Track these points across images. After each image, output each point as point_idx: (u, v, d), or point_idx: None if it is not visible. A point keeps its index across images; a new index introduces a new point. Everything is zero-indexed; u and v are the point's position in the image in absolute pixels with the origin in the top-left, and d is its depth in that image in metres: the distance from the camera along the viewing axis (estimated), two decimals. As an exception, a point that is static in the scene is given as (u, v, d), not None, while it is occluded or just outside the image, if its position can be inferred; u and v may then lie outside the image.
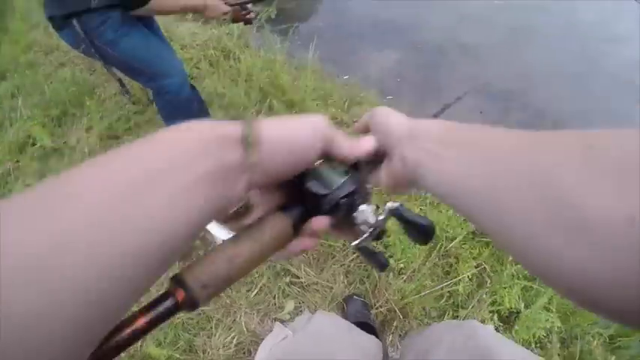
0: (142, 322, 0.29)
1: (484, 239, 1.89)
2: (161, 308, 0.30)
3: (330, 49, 2.95)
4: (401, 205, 0.41)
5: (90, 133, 2.13)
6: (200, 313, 1.54)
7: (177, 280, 0.32)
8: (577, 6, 4.71)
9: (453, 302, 1.72)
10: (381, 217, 0.41)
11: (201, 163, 0.29)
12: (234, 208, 0.35)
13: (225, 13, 1.73)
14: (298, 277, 1.67)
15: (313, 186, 0.38)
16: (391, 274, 1.69)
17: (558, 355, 1.70)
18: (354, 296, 1.64)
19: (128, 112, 2.30)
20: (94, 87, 2.48)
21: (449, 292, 1.73)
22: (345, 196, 0.38)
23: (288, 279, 1.68)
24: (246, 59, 2.59)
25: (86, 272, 0.23)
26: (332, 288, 1.66)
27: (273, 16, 3.14)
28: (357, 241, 0.41)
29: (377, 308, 1.61)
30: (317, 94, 2.46)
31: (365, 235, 0.41)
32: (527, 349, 1.65)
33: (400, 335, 1.63)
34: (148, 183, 0.27)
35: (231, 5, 1.72)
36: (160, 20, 2.22)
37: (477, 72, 3.36)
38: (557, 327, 1.69)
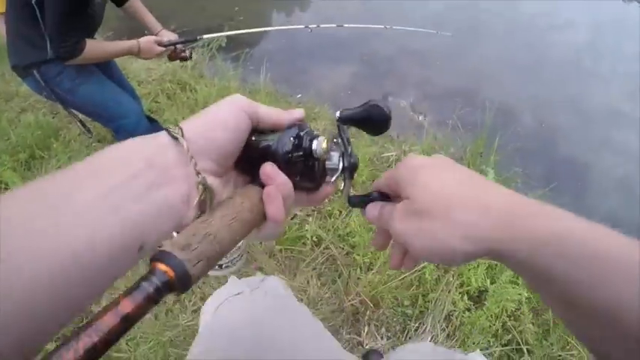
0: (128, 305, 0.25)
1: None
2: (150, 288, 0.26)
3: (281, 71, 3.08)
4: (340, 111, 0.42)
5: (60, 174, 2.17)
6: (185, 329, 1.60)
7: (162, 257, 0.28)
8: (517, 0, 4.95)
9: (423, 289, 1.82)
10: (335, 141, 0.41)
11: (126, 170, 0.30)
12: (197, 199, 0.34)
13: (160, 54, 1.83)
14: (273, 285, 1.74)
15: (257, 146, 0.39)
16: (359, 269, 1.78)
17: (532, 324, 1.80)
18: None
19: (94, 151, 2.35)
20: (58, 129, 2.52)
21: (417, 280, 1.83)
22: (292, 140, 0.39)
23: (263, 287, 1.75)
24: (202, 89, 2.69)
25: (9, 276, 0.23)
26: (306, 291, 1.74)
27: (224, 45, 3.25)
28: (333, 178, 0.41)
29: (350, 302, 1.70)
30: (272, 115, 2.57)
31: (339, 170, 0.40)
32: (500, 321, 1.76)
33: (376, 325, 1.72)
34: (74, 189, 0.28)
35: (164, 46, 1.82)
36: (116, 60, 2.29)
37: (426, 76, 3.54)
38: (526, 297, 1.78)
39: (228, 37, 3.26)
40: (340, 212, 2.03)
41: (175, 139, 0.34)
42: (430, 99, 3.20)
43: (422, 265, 1.80)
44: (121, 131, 1.89)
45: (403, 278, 1.77)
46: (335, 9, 4.56)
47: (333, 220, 1.99)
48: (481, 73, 3.67)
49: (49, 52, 1.57)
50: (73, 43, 1.53)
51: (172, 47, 1.87)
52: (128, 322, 0.25)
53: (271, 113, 0.40)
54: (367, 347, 1.68)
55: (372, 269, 1.76)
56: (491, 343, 1.74)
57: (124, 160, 0.31)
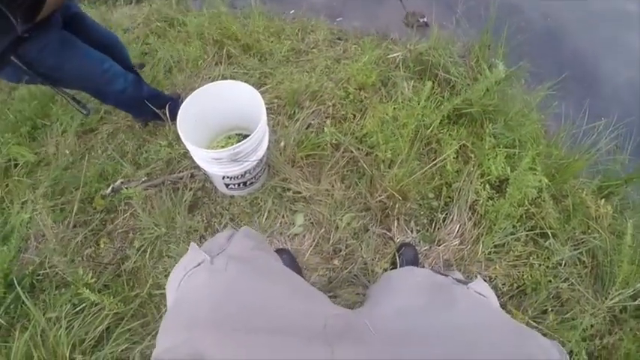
0: None
1: (460, 121, 2.00)
2: None
3: (270, -11, 2.91)
4: None
5: (66, 136, 2.13)
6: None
7: None
8: None
9: (445, 181, 1.83)
10: None
11: None
12: None
13: None
14: (300, 192, 1.76)
15: None
16: (382, 165, 1.78)
17: (553, 209, 1.82)
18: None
19: (95, 104, 2.29)
20: (53, 94, 2.42)
21: (439, 172, 1.84)
22: None
23: (290, 195, 1.77)
24: (192, 21, 2.58)
25: None
26: (332, 195, 1.75)
27: (205, -26, 3.07)
28: None
29: (377, 199, 1.71)
30: (269, 33, 2.48)
31: None
32: (523, 208, 1.78)
33: (405, 220, 1.74)
34: None
35: None
36: (93, 12, 2.11)
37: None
38: (546, 184, 1.79)
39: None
40: (354, 116, 2.01)
41: None
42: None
43: (442, 156, 1.80)
44: (108, 99, 1.86)
45: (425, 171, 1.77)
46: None
47: (348, 123, 1.97)
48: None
49: (19, 29, 1.34)
50: None
51: None
52: None
53: None
54: (398, 241, 1.71)
55: (393, 165, 1.75)
56: (517, 229, 1.77)
57: None
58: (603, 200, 1.89)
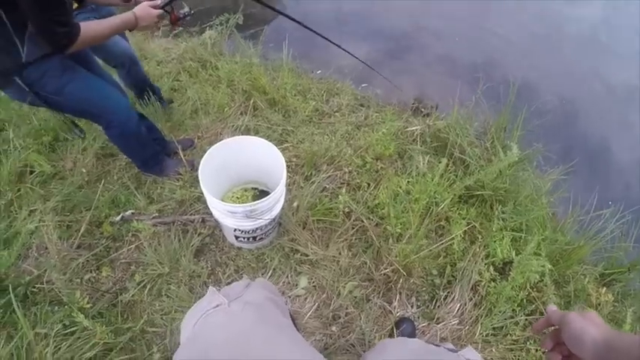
0: None
1: (470, 201, 2.04)
2: None
3: (301, 48, 3.05)
4: None
5: (85, 154, 2.18)
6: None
7: None
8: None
9: (450, 260, 1.86)
10: None
11: None
12: None
13: (159, 17, 1.67)
14: (307, 255, 1.79)
15: None
16: (390, 239, 1.82)
17: (554, 294, 1.83)
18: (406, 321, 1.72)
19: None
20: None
21: (445, 251, 1.86)
22: None
23: (298, 256, 1.80)
24: (224, 66, 2.70)
25: None
26: (338, 261, 1.78)
27: (240, 22, 3.24)
28: None
29: (382, 272, 1.74)
30: (296, 90, 2.59)
31: None
32: (525, 292, 1.79)
33: (407, 294, 1.76)
34: None
35: (161, 8, 1.65)
36: (131, 39, 2.21)
37: (444, 50, 3.52)
38: (549, 269, 1.80)
39: (244, 15, 3.26)
40: (369, 185, 2.06)
41: None
42: (450, 75, 3.19)
43: (451, 236, 1.84)
44: (111, 127, 1.81)
45: (431, 250, 1.80)
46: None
47: (362, 192, 2.02)
48: (499, 49, 3.64)
49: (24, 56, 1.44)
50: (70, 28, 1.40)
51: (170, 7, 1.69)
52: None
53: None
54: (398, 315, 1.73)
55: (401, 240, 1.79)
56: (517, 312, 1.77)
57: None
58: (605, 288, 1.91)
